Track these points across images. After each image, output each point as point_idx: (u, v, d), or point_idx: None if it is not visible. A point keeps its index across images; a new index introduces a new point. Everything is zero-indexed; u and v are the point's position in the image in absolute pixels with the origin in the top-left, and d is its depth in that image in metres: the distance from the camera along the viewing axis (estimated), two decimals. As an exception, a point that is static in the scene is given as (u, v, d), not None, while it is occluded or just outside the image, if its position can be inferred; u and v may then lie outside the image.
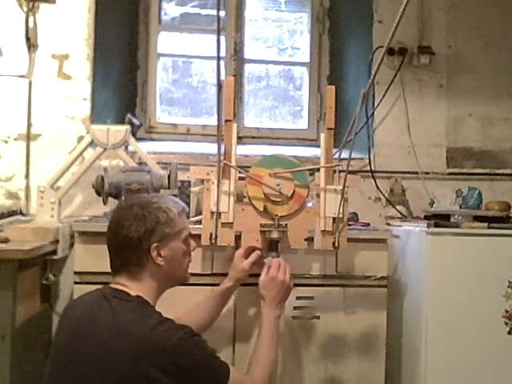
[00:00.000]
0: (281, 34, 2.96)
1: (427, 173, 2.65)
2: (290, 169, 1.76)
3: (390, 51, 2.62)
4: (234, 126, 1.77)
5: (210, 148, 1.95)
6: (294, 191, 1.75)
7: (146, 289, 1.38)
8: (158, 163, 2.24)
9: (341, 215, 1.75)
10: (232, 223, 1.74)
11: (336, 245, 1.77)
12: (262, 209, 1.74)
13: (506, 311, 2.02)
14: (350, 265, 1.92)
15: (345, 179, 1.71)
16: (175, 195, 1.87)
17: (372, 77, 1.43)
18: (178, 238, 1.43)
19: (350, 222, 1.96)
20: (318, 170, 1.80)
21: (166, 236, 1.39)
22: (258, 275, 1.66)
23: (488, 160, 2.71)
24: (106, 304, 1.32)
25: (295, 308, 1.88)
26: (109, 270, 1.44)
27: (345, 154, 1.73)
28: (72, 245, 2.06)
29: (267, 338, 1.56)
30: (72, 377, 1.27)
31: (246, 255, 1.70)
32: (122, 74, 2.71)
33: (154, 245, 1.37)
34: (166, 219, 1.39)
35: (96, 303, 1.34)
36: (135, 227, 1.35)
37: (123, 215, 1.38)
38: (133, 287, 1.36)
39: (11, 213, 2.25)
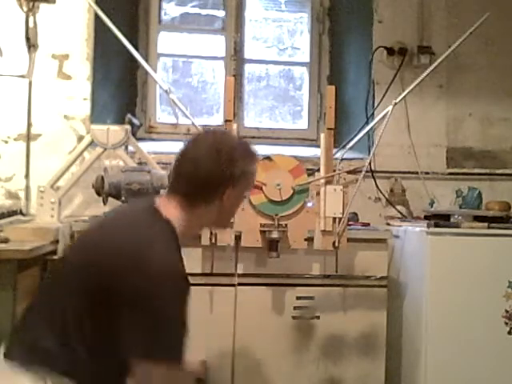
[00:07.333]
0: (281, 34, 2.96)
1: (427, 173, 2.64)
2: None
3: (390, 51, 2.62)
4: (234, 126, 1.77)
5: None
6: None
7: (193, 219, 1.34)
8: (158, 163, 2.24)
9: (342, 215, 1.76)
10: (232, 223, 1.74)
11: (336, 245, 1.77)
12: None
13: (506, 311, 2.02)
14: (350, 265, 1.92)
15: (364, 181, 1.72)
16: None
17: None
18: (248, 188, 1.44)
19: (350, 222, 1.96)
20: (318, 170, 1.80)
21: (243, 184, 1.38)
22: (259, 275, 1.65)
23: (488, 160, 2.71)
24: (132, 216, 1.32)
25: (295, 308, 1.88)
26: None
27: (348, 155, 1.73)
28: (72, 245, 2.06)
29: None
30: (61, 286, 1.25)
31: None
32: (122, 74, 2.71)
33: (230, 188, 1.34)
34: (252, 170, 1.39)
35: (125, 215, 1.35)
36: (225, 167, 1.32)
37: (215, 152, 1.33)
38: (173, 212, 1.31)
39: (11, 213, 2.24)
